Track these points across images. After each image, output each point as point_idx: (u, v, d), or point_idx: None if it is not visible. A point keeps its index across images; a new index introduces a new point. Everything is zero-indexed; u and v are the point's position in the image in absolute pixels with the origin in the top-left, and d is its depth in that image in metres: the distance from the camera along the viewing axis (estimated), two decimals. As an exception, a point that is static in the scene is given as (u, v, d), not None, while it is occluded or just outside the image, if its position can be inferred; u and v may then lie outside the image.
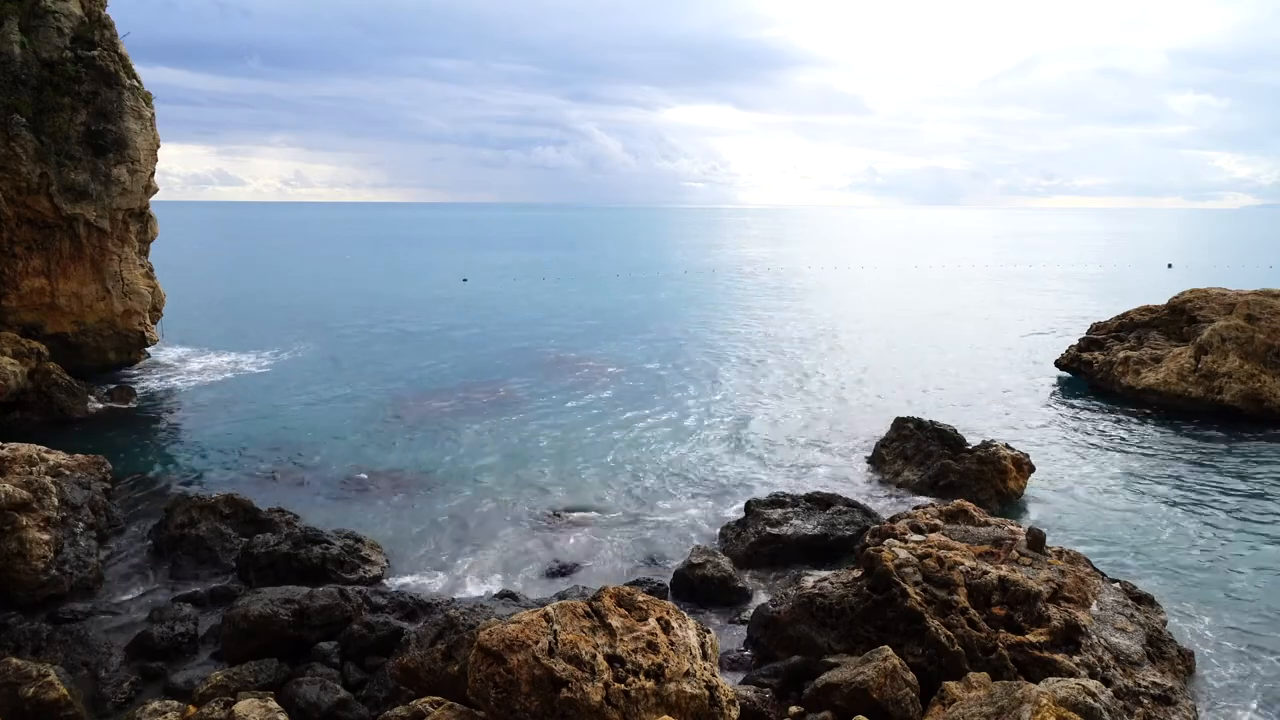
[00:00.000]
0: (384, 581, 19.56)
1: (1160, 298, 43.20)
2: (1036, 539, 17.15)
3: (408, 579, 19.67)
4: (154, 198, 39.05)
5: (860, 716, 12.74)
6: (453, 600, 17.99)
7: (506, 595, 18.17)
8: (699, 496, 24.99)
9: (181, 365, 41.69)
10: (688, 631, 12.64)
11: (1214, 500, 24.41)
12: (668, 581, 19.19)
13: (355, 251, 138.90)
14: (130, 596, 18.67)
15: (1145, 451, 29.14)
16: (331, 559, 19.78)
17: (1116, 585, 17.04)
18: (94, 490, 21.83)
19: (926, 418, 27.50)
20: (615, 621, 12.23)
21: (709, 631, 13.28)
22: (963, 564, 15.72)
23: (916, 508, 20.24)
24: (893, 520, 18.94)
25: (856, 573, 16.57)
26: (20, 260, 34.48)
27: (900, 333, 55.00)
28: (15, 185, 33.10)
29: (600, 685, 11.22)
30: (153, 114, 37.06)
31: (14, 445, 21.18)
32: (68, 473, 21.51)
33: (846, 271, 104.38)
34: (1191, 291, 40.12)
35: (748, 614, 17.67)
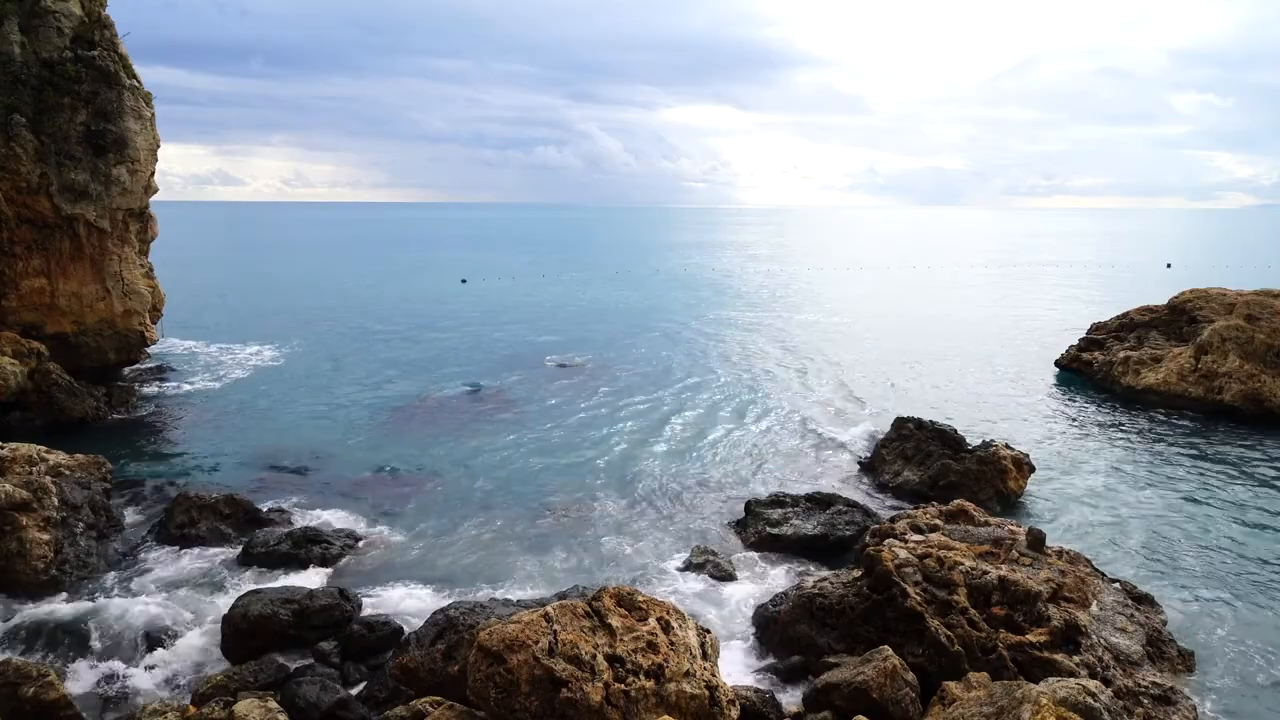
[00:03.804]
0: (384, 581, 19.54)
1: (1160, 298, 43.19)
2: (1036, 539, 17.15)
3: (407, 579, 19.64)
4: (154, 198, 39.03)
5: (860, 716, 12.74)
6: (453, 600, 17.97)
7: (506, 595, 18.18)
8: (699, 496, 24.97)
9: (181, 366, 41.69)
10: (687, 632, 12.65)
11: (1214, 500, 24.41)
12: (667, 581, 19.21)
13: (357, 252, 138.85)
14: (130, 596, 18.63)
15: (1145, 451, 29.14)
16: (331, 559, 19.81)
17: (1116, 585, 17.05)
18: (94, 490, 21.83)
19: (926, 418, 27.50)
20: (615, 621, 12.24)
21: (709, 631, 13.30)
22: (963, 564, 15.72)
23: (916, 508, 20.25)
24: (893, 520, 18.96)
25: (856, 573, 16.58)
26: (20, 260, 34.44)
27: (900, 332, 55.00)
28: (15, 185, 33.07)
29: (600, 685, 11.22)
30: (153, 114, 37.03)
31: (14, 445, 21.19)
32: (68, 473, 21.51)
33: (846, 271, 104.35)
34: (1191, 291, 40.13)
35: (748, 614, 17.67)
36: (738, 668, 15.77)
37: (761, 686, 14.74)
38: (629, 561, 20.66)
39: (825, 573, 18.46)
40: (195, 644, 16.57)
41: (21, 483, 19.59)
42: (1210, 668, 15.74)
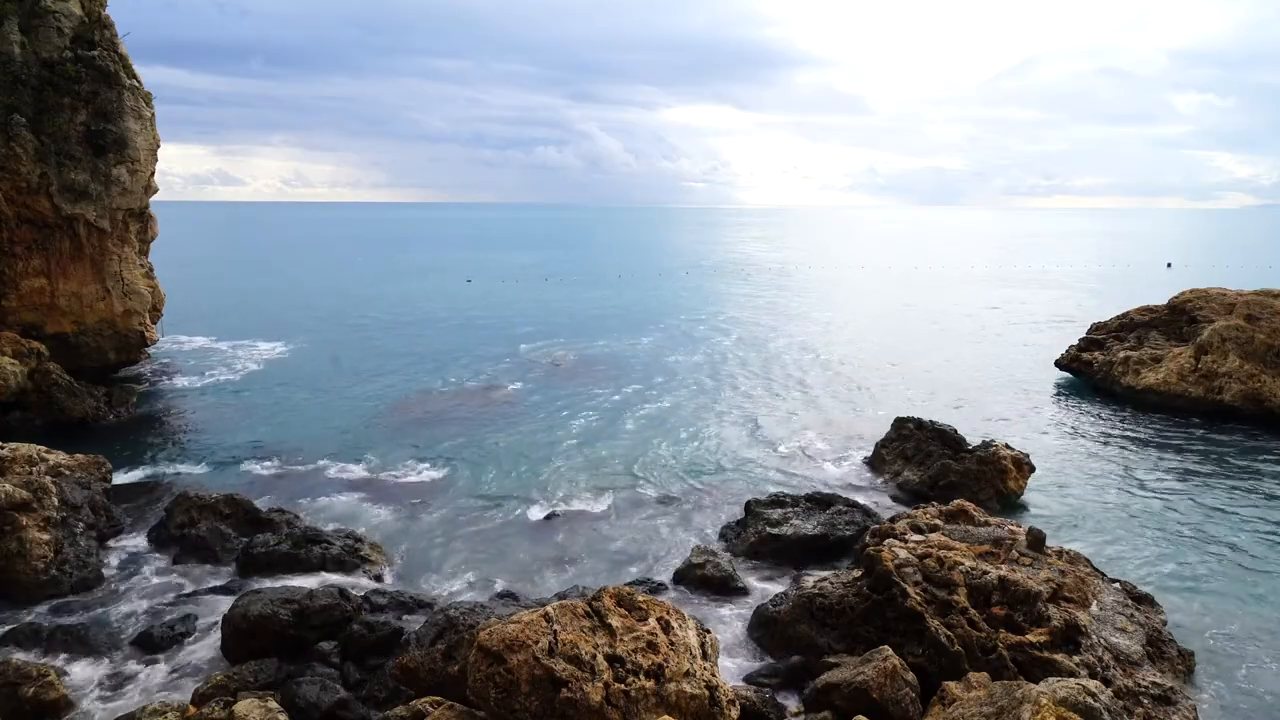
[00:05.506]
0: (384, 581, 19.57)
1: (1160, 298, 43.19)
2: (1036, 539, 17.15)
3: (408, 578, 19.65)
4: (154, 198, 39.04)
5: (860, 716, 12.74)
6: (453, 600, 17.98)
7: (506, 595, 18.19)
8: (699, 496, 24.99)
9: (181, 366, 41.69)
10: (688, 632, 12.65)
11: (1214, 500, 24.41)
12: (668, 581, 19.21)
13: (358, 252, 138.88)
14: (130, 596, 18.66)
15: (1145, 451, 29.14)
16: (331, 559, 19.80)
17: (1116, 585, 17.04)
18: (94, 490, 21.83)
19: (926, 418, 27.50)
20: (615, 621, 12.24)
21: (709, 631, 13.30)
22: (963, 564, 15.72)
23: (916, 508, 20.25)
24: (893, 520, 18.96)
25: (856, 573, 16.58)
26: (20, 260, 34.45)
27: (900, 332, 55.02)
28: (15, 185, 33.08)
29: (600, 685, 11.23)
30: (153, 114, 37.04)
31: (14, 445, 21.20)
32: (68, 473, 21.52)
33: (846, 271, 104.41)
34: (1191, 291, 40.11)
35: (748, 614, 17.67)
36: (738, 668, 15.78)
37: (762, 686, 14.74)
38: (629, 561, 20.67)
39: (825, 573, 18.45)
40: (195, 644, 16.58)
41: (21, 483, 19.59)
42: (1210, 668, 15.74)
